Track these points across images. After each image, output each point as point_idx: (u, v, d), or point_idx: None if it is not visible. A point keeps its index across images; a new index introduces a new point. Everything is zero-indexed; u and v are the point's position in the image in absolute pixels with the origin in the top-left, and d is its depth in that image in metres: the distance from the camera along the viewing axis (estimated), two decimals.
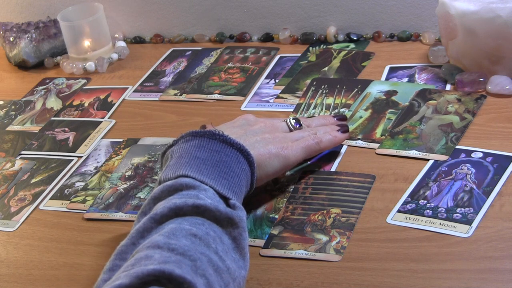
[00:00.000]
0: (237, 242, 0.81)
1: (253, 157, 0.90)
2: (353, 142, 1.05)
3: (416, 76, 1.18)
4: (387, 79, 1.19)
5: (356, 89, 1.16)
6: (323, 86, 1.19)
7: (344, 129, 1.02)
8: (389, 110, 1.10)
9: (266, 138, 0.95)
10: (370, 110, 1.11)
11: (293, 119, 1.01)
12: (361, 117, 1.09)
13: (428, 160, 0.99)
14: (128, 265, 0.74)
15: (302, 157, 0.97)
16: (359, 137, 1.06)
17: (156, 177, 1.06)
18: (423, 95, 1.11)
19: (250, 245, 0.91)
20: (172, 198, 0.82)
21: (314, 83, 1.20)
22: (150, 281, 0.70)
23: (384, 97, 1.13)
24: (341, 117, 1.06)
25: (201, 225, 0.79)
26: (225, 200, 0.84)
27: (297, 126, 1.00)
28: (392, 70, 1.21)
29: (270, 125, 0.99)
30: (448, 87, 1.13)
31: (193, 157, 0.87)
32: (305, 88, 1.20)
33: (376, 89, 1.15)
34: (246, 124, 0.98)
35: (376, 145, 1.04)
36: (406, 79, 1.18)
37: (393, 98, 1.13)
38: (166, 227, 0.78)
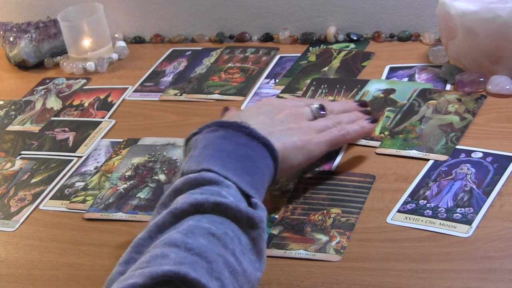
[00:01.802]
0: (256, 243, 0.80)
1: (278, 152, 0.89)
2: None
3: (416, 76, 1.18)
4: (387, 79, 1.19)
5: (355, 89, 1.16)
6: (322, 86, 1.19)
7: (373, 118, 1.00)
8: (388, 108, 1.10)
9: (291, 128, 0.93)
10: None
11: (317, 105, 0.98)
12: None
13: (428, 160, 0.99)
14: (143, 261, 0.73)
15: (326, 150, 0.95)
16: None
17: (156, 177, 1.06)
18: (423, 95, 1.11)
19: None
20: (193, 192, 0.81)
21: (314, 83, 1.20)
22: (164, 282, 0.70)
23: (382, 95, 1.13)
24: (363, 103, 1.03)
25: (220, 224, 0.78)
26: (247, 197, 0.83)
27: (321, 113, 0.98)
28: (392, 70, 1.21)
29: (295, 112, 0.96)
30: (448, 87, 1.13)
31: (217, 149, 0.86)
32: (304, 88, 1.20)
33: (374, 88, 1.15)
34: (271, 111, 0.95)
35: (375, 143, 1.04)
36: (406, 79, 1.18)
37: (391, 96, 1.13)
38: (185, 223, 0.77)
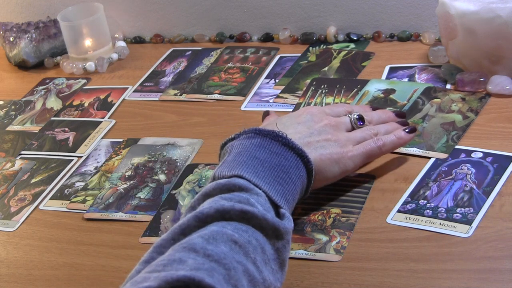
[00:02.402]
0: (279, 253, 0.79)
1: (312, 165, 0.88)
2: None
3: (416, 76, 1.18)
4: (387, 79, 1.19)
5: (355, 89, 1.16)
6: (322, 86, 1.19)
7: (411, 128, 0.98)
8: (388, 109, 1.10)
9: (329, 140, 0.92)
10: None
11: (356, 115, 0.98)
12: None
13: (428, 158, 0.99)
14: (160, 264, 0.72)
15: (362, 163, 0.95)
16: None
17: (156, 177, 1.06)
18: (428, 93, 1.11)
19: None
20: (221, 197, 0.80)
21: (314, 83, 1.20)
22: (179, 287, 0.69)
23: (382, 95, 1.13)
24: (400, 114, 1.03)
25: (244, 232, 0.77)
26: (276, 207, 0.82)
27: (360, 124, 0.98)
28: (392, 70, 1.21)
29: (334, 123, 0.95)
30: (448, 87, 1.13)
31: (251, 157, 0.86)
32: (304, 88, 1.20)
33: (374, 88, 1.15)
34: (310, 121, 0.95)
35: None
36: (406, 79, 1.18)
37: (391, 96, 1.13)
38: (208, 228, 0.76)
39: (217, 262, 0.72)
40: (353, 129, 0.97)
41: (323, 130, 0.94)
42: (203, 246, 0.74)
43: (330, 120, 0.96)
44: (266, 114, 1.04)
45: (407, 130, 0.97)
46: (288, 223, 0.81)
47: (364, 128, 0.97)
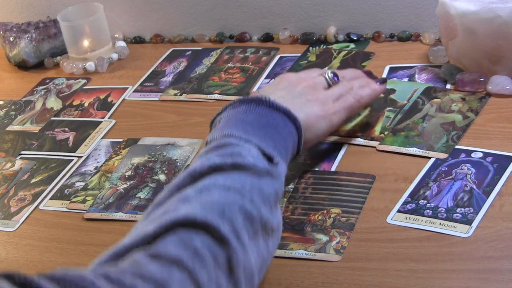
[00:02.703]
0: (276, 194, 0.83)
1: (300, 121, 0.92)
2: (352, 140, 1.05)
3: (416, 76, 1.18)
4: (387, 79, 1.19)
5: None
6: None
7: (382, 79, 1.06)
8: (388, 108, 1.10)
9: (310, 100, 0.98)
10: (368, 108, 1.11)
11: (330, 72, 1.03)
12: (359, 114, 1.09)
13: (427, 158, 0.99)
14: (157, 214, 0.76)
15: (345, 117, 1.00)
16: (358, 134, 1.06)
17: (156, 177, 1.06)
18: (428, 93, 1.11)
19: None
20: (213, 154, 0.83)
21: None
22: (174, 227, 0.72)
23: (382, 95, 1.13)
24: (369, 72, 1.09)
25: (237, 179, 0.80)
26: (269, 159, 0.85)
27: (335, 80, 1.03)
28: (392, 70, 1.21)
29: (311, 83, 1.01)
30: (448, 87, 1.13)
31: (239, 120, 0.89)
32: None
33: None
34: (289, 86, 1.00)
35: (375, 143, 1.04)
36: (406, 79, 1.18)
37: (391, 96, 1.13)
38: (201, 182, 0.79)
39: (211, 204, 0.76)
40: (329, 87, 1.02)
41: (303, 92, 0.98)
42: (196, 196, 0.77)
43: (308, 81, 1.01)
44: (247, 94, 1.10)
45: (379, 82, 1.05)
46: (281, 169, 0.85)
47: (339, 85, 1.02)
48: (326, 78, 1.02)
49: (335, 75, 1.03)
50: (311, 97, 0.98)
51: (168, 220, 0.73)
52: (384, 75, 1.20)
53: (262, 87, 1.03)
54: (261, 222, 0.78)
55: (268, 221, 0.79)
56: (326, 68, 1.10)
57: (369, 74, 1.08)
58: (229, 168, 0.81)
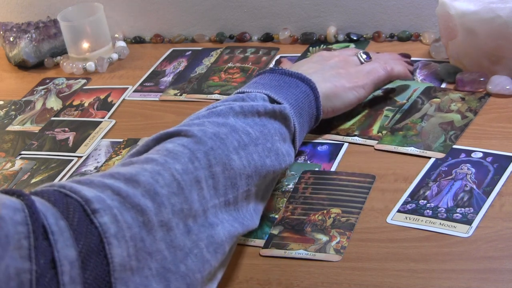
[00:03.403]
0: (276, 131, 0.87)
1: (314, 83, 0.96)
2: (349, 139, 1.05)
3: (418, 71, 1.18)
4: None
5: None
6: None
7: (411, 71, 1.11)
8: (386, 108, 1.10)
9: (340, 73, 1.01)
10: (367, 107, 1.11)
11: (363, 53, 1.07)
12: (358, 113, 1.10)
13: (427, 158, 0.99)
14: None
15: (373, 89, 1.05)
16: (356, 133, 1.06)
17: None
18: (428, 92, 1.11)
19: (249, 245, 0.91)
20: (219, 103, 0.88)
21: None
22: (150, 145, 0.80)
23: (382, 94, 1.13)
24: (406, 55, 1.13)
25: (228, 105, 0.86)
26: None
27: (367, 60, 1.06)
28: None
29: (343, 59, 1.05)
30: (443, 86, 1.13)
31: (253, 83, 0.95)
32: None
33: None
34: (322, 60, 1.04)
35: (373, 142, 1.04)
36: None
37: (391, 95, 1.13)
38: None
39: (188, 121, 0.84)
40: (362, 65, 1.06)
41: (334, 65, 1.03)
42: (183, 124, 0.84)
43: (340, 57, 1.05)
44: (278, 62, 1.14)
45: (411, 65, 1.11)
46: (279, 107, 0.89)
47: (372, 61, 1.07)
48: (359, 58, 1.06)
49: (367, 55, 1.07)
50: (342, 70, 1.02)
51: (144, 142, 0.80)
52: None
53: (296, 63, 1.07)
54: (250, 137, 0.83)
55: (259, 139, 0.84)
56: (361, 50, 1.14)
57: (406, 56, 1.12)
58: (225, 105, 0.85)
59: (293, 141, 0.93)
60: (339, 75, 1.01)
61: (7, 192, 0.66)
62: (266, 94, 0.91)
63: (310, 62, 1.04)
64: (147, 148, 0.80)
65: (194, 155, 0.77)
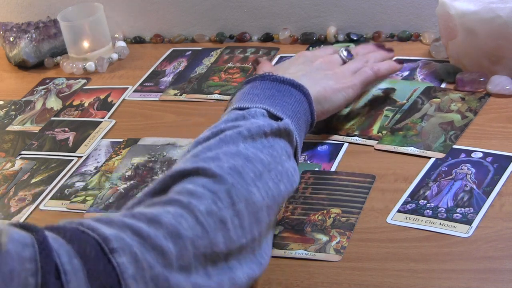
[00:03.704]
0: (281, 149, 0.85)
1: (307, 88, 0.94)
2: (349, 139, 1.05)
3: (418, 70, 1.18)
4: None
5: None
6: None
7: (399, 61, 1.10)
8: (386, 107, 1.10)
9: (327, 75, 1.01)
10: (367, 107, 1.11)
11: (344, 50, 1.07)
12: (358, 114, 1.10)
13: (427, 158, 0.99)
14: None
15: (361, 90, 1.04)
16: (356, 133, 1.06)
17: (156, 177, 1.06)
18: (428, 92, 1.11)
19: None
20: (219, 123, 0.86)
21: None
22: (168, 183, 0.76)
23: (382, 94, 1.13)
24: (380, 45, 1.12)
25: (236, 128, 0.83)
26: (277, 120, 0.88)
27: (349, 57, 1.06)
28: (397, 62, 1.21)
29: (328, 60, 1.04)
30: (443, 86, 1.13)
31: (246, 94, 0.92)
32: None
33: (374, 86, 1.15)
34: (307, 61, 1.03)
35: (373, 142, 1.04)
36: (407, 72, 1.18)
37: (391, 95, 1.13)
38: (203, 144, 0.82)
39: (204, 157, 0.79)
40: (344, 63, 1.05)
41: (320, 67, 1.02)
42: (191, 156, 0.80)
43: (324, 58, 1.04)
44: (256, 63, 1.11)
45: (396, 60, 1.10)
46: (283, 124, 0.86)
47: (356, 59, 1.06)
48: (340, 56, 1.06)
49: (349, 52, 1.06)
50: (329, 72, 1.01)
51: (161, 179, 0.77)
52: None
53: (279, 64, 1.07)
54: (263, 164, 0.80)
55: (271, 164, 0.81)
56: (338, 46, 1.14)
57: (381, 47, 1.11)
58: (231, 128, 0.84)
59: (295, 154, 0.90)
60: (326, 77, 1.00)
61: (20, 225, 0.64)
62: (265, 109, 0.88)
63: (295, 64, 1.02)
64: (164, 186, 0.77)
65: (216, 195, 0.74)
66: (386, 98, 1.12)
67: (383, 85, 1.15)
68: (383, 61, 1.08)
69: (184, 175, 0.76)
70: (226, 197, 0.74)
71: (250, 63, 1.15)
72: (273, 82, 0.93)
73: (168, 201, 0.72)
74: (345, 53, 1.06)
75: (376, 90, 1.14)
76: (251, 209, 0.76)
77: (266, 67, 1.07)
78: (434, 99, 1.09)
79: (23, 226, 0.63)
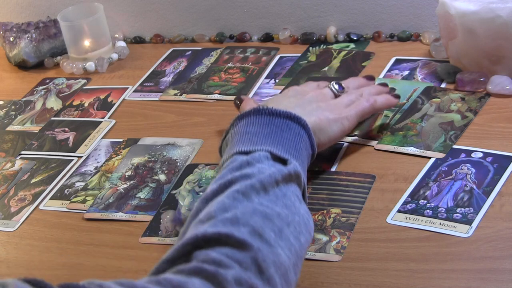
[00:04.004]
0: (292, 193, 0.82)
1: (305, 120, 0.91)
2: (349, 139, 1.05)
3: (418, 69, 1.18)
4: (390, 70, 1.20)
5: None
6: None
7: (396, 94, 1.05)
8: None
9: (321, 106, 0.97)
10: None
11: (335, 83, 1.03)
12: None
13: (427, 158, 0.99)
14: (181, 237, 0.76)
15: (357, 121, 1.00)
16: (356, 133, 1.06)
17: (156, 177, 1.06)
18: (428, 92, 1.11)
19: None
20: (224, 172, 0.82)
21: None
22: (189, 250, 0.72)
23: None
24: (370, 77, 1.09)
25: (245, 187, 0.79)
26: (283, 163, 0.84)
27: (341, 90, 1.02)
28: (398, 62, 1.21)
29: (319, 93, 1.01)
30: (443, 86, 1.13)
31: (243, 134, 0.88)
32: None
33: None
34: (298, 94, 1.00)
35: (373, 142, 1.04)
36: (407, 72, 1.18)
37: None
38: (213, 201, 0.78)
39: (221, 214, 0.75)
40: (336, 97, 1.02)
41: (313, 99, 0.99)
42: (207, 213, 0.76)
43: (316, 92, 1.01)
44: (239, 100, 1.09)
45: (392, 94, 1.05)
46: (294, 168, 0.83)
47: (349, 92, 1.02)
48: (331, 89, 1.02)
49: (340, 85, 1.03)
50: (322, 103, 0.98)
51: (180, 244, 0.72)
52: (388, 66, 1.20)
53: (269, 99, 1.02)
54: (281, 218, 0.77)
55: (288, 216, 0.78)
56: (328, 81, 1.08)
57: (370, 78, 1.09)
58: (239, 177, 0.80)
59: (303, 193, 0.86)
60: (320, 108, 0.96)
61: (29, 281, 0.61)
62: (268, 151, 0.84)
63: (287, 97, 0.99)
64: (185, 252, 0.72)
65: (243, 265, 0.70)
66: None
67: None
68: (379, 94, 1.03)
69: (205, 241, 0.72)
70: (253, 264, 0.71)
71: (233, 100, 1.10)
72: (269, 116, 0.89)
73: (194, 270, 0.69)
74: (336, 86, 1.02)
75: None
76: (281, 271, 0.73)
77: (251, 103, 1.04)
78: (434, 99, 1.10)
79: (32, 282, 0.61)
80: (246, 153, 0.85)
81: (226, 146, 0.90)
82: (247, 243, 0.71)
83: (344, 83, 1.04)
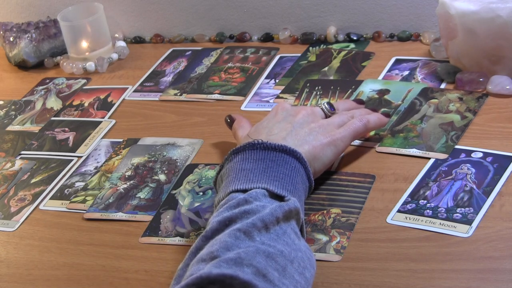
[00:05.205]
0: (292, 230, 0.81)
1: (300, 153, 0.89)
2: None
3: (418, 69, 1.18)
4: (389, 70, 1.20)
5: (350, 90, 1.16)
6: (317, 88, 1.19)
7: (387, 113, 1.05)
8: (382, 109, 1.09)
9: (313, 129, 0.95)
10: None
11: (326, 104, 1.01)
12: None
13: (428, 158, 0.99)
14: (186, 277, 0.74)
15: (350, 142, 0.98)
16: None
17: (156, 177, 1.06)
18: (425, 94, 1.11)
19: None
20: (222, 210, 0.81)
21: (308, 84, 1.20)
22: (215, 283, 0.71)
23: (376, 96, 1.13)
24: (359, 100, 1.08)
25: (247, 218, 0.79)
26: (281, 199, 0.84)
27: (332, 111, 1.01)
28: (398, 62, 1.21)
29: (310, 111, 0.99)
30: (443, 86, 1.13)
31: (239, 170, 0.87)
32: (299, 90, 1.20)
33: (368, 88, 1.15)
34: (288, 116, 0.98)
35: (371, 143, 1.04)
36: (407, 72, 1.18)
37: (386, 97, 1.13)
38: (214, 239, 0.78)
39: (223, 256, 0.74)
40: (327, 117, 1.00)
41: (304, 120, 0.97)
42: (208, 252, 0.75)
43: (306, 110, 0.99)
44: (231, 120, 1.06)
45: (383, 114, 1.03)
46: (293, 203, 0.82)
47: (340, 113, 1.01)
48: (323, 109, 1.01)
49: (331, 106, 1.01)
50: (314, 125, 0.96)
51: (184, 285, 0.71)
52: (388, 66, 1.20)
53: (259, 124, 1.00)
54: (284, 256, 0.77)
55: (291, 253, 0.78)
56: (322, 101, 1.08)
57: (360, 102, 1.07)
58: (240, 214, 0.80)
59: (301, 228, 0.85)
60: (313, 132, 0.95)
61: None
62: (265, 189, 0.84)
63: (277, 122, 0.97)
64: None
65: None
66: (380, 99, 1.12)
67: (377, 86, 1.15)
68: (371, 114, 1.01)
69: (210, 282, 0.71)
70: None
71: (224, 119, 1.08)
72: (264, 150, 0.88)
73: None
74: (327, 106, 1.01)
75: (371, 92, 1.14)
76: None
77: (243, 124, 1.03)
78: (432, 100, 1.09)
79: None
80: (243, 191, 0.84)
81: (221, 182, 0.89)
82: (252, 285, 0.71)
83: (334, 105, 1.02)
